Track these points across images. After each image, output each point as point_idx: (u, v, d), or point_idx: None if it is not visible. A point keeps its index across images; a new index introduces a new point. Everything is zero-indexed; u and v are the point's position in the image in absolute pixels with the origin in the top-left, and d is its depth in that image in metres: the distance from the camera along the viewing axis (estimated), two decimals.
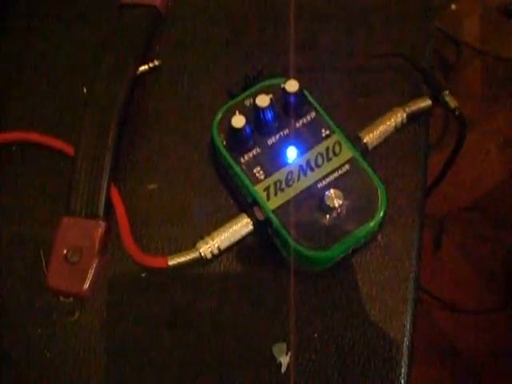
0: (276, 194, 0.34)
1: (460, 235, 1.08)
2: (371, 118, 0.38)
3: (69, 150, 0.40)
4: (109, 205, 0.38)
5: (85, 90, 0.42)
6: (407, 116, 0.38)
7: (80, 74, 0.43)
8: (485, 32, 1.24)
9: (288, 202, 0.34)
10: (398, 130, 0.39)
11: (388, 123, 0.38)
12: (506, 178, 1.12)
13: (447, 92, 0.39)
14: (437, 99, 0.39)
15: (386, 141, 0.39)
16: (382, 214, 0.34)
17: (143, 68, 0.43)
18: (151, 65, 0.43)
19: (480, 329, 1.01)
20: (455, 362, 1.00)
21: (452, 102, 0.38)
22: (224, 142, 0.36)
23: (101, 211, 0.37)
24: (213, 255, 0.35)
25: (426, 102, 0.39)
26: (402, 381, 0.34)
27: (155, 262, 0.36)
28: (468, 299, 1.03)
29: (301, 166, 0.35)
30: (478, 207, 1.09)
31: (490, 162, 1.13)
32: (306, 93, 0.37)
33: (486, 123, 1.16)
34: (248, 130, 0.35)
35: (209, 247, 0.35)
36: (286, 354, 0.35)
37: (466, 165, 1.10)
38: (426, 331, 1.02)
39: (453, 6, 1.26)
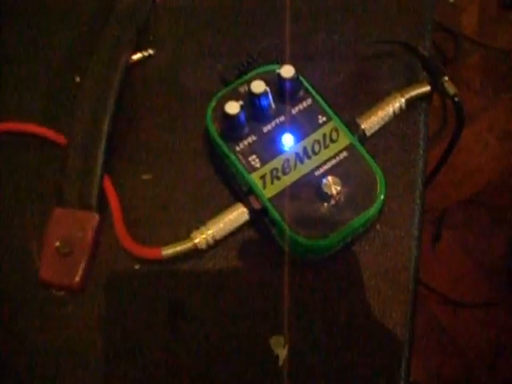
0: (272, 183, 0.34)
1: (459, 228, 1.08)
2: (369, 104, 0.38)
3: (61, 140, 0.39)
4: (102, 196, 0.37)
5: (77, 79, 0.41)
6: (406, 102, 0.38)
7: (73, 63, 0.42)
8: (483, 24, 1.24)
9: (285, 190, 0.34)
10: (397, 116, 0.38)
11: (386, 109, 0.37)
12: (505, 170, 1.12)
13: (446, 78, 0.38)
14: (436, 85, 0.38)
15: (386, 129, 0.38)
16: (381, 201, 0.33)
17: (137, 57, 0.42)
18: (145, 54, 0.42)
19: (480, 323, 1.01)
20: (454, 355, 1.00)
21: (451, 88, 0.38)
22: (218, 130, 0.36)
23: (94, 202, 0.37)
24: (208, 246, 0.35)
25: (424, 88, 0.38)
26: (402, 373, 0.34)
27: (149, 252, 0.35)
28: (467, 293, 1.03)
29: (297, 154, 0.34)
30: (477, 200, 1.09)
31: (490, 154, 1.13)
32: (301, 79, 0.36)
33: (485, 116, 1.16)
34: (242, 116, 0.34)
35: (204, 237, 0.35)
36: (284, 346, 0.34)
37: (466, 158, 1.10)
38: (425, 325, 1.02)
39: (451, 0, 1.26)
